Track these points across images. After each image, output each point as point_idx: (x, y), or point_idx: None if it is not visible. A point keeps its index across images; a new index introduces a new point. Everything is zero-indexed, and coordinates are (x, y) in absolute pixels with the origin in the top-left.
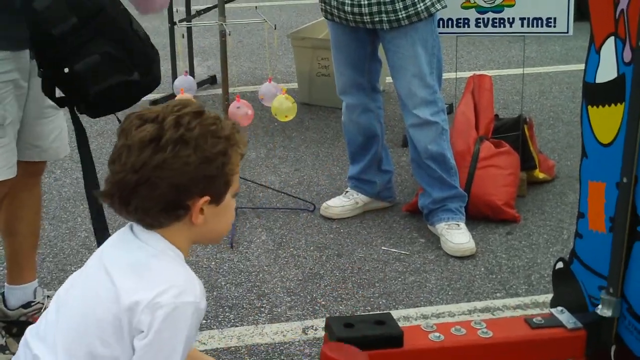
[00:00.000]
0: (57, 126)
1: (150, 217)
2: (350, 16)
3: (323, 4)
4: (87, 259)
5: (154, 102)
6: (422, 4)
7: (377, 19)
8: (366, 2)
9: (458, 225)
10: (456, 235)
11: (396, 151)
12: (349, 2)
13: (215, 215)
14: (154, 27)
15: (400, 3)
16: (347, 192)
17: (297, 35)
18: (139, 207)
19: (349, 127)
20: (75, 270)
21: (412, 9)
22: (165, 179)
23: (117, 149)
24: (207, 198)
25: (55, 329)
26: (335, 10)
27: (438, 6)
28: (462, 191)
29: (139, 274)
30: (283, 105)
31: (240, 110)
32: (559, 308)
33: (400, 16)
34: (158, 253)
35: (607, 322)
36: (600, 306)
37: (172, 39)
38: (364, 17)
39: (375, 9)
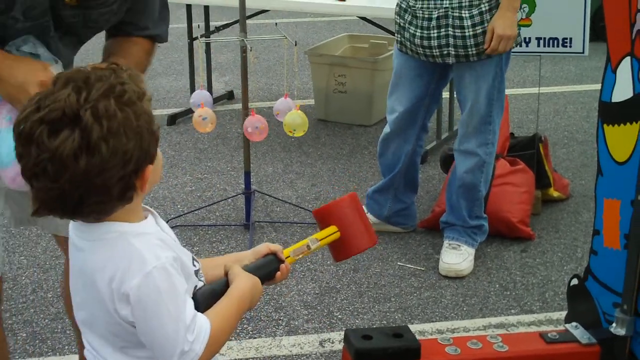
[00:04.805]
0: None
1: (106, 211)
2: (420, 49)
3: (399, 36)
4: None
5: (173, 116)
6: None
7: (445, 52)
8: (435, 35)
9: (459, 245)
10: (450, 255)
11: None
12: (419, 34)
13: (155, 170)
14: (171, 42)
15: (472, 39)
16: None
17: (315, 52)
18: (93, 210)
19: (385, 144)
20: None
21: (483, 46)
22: (113, 176)
23: (34, 161)
24: (150, 167)
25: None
26: (408, 43)
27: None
28: (479, 222)
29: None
30: (295, 121)
31: (255, 125)
32: (574, 324)
33: (470, 52)
34: (100, 245)
35: (621, 339)
36: (614, 324)
37: (190, 54)
38: (433, 51)
39: (444, 41)
